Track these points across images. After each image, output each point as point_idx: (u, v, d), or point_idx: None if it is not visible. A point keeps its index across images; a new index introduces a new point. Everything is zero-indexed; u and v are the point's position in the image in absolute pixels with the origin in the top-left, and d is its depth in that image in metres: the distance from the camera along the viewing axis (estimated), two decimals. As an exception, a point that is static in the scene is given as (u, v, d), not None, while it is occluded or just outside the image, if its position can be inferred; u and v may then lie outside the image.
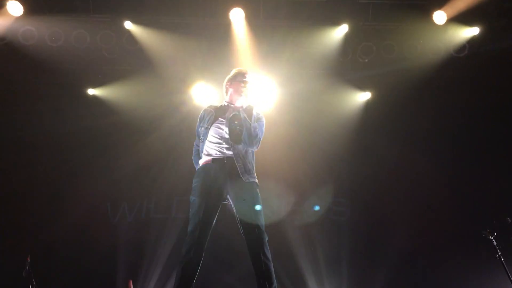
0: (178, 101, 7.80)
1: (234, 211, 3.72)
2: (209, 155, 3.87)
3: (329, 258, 7.78)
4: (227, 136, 3.89)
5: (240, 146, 3.87)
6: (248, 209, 3.63)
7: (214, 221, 3.69)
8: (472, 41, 7.21)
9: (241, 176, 3.73)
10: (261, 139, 3.98)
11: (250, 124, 3.87)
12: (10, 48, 6.96)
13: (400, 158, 8.04)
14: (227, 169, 3.75)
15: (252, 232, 3.57)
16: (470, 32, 7.17)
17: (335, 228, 8.09)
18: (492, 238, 5.11)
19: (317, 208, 8.00)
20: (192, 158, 4.14)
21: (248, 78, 4.21)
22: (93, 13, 6.97)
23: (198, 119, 4.16)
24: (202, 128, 4.03)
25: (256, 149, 4.01)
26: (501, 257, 5.02)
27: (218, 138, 3.90)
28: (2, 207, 7.56)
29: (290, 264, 7.61)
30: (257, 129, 3.92)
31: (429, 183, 7.96)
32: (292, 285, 7.46)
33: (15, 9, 6.63)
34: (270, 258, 3.54)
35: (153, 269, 7.54)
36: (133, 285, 6.73)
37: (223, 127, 3.95)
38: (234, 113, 4.02)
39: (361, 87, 8.07)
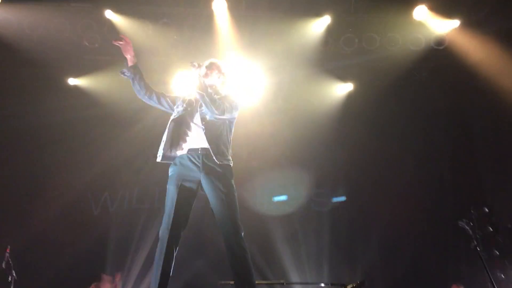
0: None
1: (210, 204, 3.71)
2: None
3: (311, 248, 7.87)
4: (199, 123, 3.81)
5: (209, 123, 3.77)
6: (222, 205, 3.61)
7: (191, 209, 3.69)
8: (452, 34, 7.29)
9: (214, 157, 3.65)
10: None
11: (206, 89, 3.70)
12: (-13, 37, 6.82)
13: (381, 148, 8.14)
14: (201, 158, 3.71)
15: (227, 226, 3.57)
16: (450, 24, 7.24)
17: (316, 219, 8.17)
18: (468, 228, 5.21)
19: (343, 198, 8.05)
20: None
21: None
22: (73, 1, 6.86)
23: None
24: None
25: (223, 116, 3.80)
26: (477, 246, 5.13)
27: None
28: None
29: (271, 254, 7.68)
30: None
31: (409, 173, 8.09)
32: (273, 275, 7.53)
33: (-8, -4, 6.49)
34: (246, 249, 3.55)
35: (136, 259, 7.55)
36: (116, 275, 6.73)
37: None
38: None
39: (343, 78, 8.13)
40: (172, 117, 3.93)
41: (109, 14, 6.91)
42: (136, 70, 3.97)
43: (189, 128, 3.85)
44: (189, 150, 3.77)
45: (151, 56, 7.33)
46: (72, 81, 7.83)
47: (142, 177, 7.96)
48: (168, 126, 3.89)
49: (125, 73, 3.99)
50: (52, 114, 7.59)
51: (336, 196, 8.27)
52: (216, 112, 3.72)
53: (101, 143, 7.82)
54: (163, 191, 7.96)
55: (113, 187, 8.00)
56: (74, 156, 7.81)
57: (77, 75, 7.78)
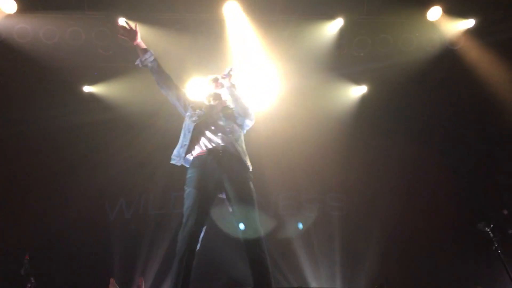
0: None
1: (231, 209, 3.66)
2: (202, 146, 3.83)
3: (326, 252, 7.81)
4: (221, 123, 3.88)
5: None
6: (244, 206, 3.57)
7: (209, 213, 3.64)
8: (467, 34, 7.21)
9: (241, 158, 3.73)
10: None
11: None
12: (5, 46, 6.92)
13: (396, 151, 8.07)
14: (224, 158, 3.71)
15: (247, 227, 3.52)
16: (466, 24, 7.16)
17: (332, 223, 8.11)
18: (488, 230, 5.13)
19: (300, 226, 8.02)
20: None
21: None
22: (87, 9, 6.92)
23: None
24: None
25: (248, 118, 3.97)
26: (498, 248, 5.05)
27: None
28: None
29: (287, 259, 7.63)
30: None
31: (425, 176, 7.99)
32: (289, 278, 7.49)
33: (8, 6, 6.58)
34: (266, 251, 3.51)
35: (151, 264, 7.57)
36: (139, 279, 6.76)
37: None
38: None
39: (357, 81, 8.08)
40: (191, 120, 3.93)
41: (122, 21, 6.97)
42: (149, 61, 3.97)
43: (210, 131, 3.86)
44: (210, 151, 3.76)
45: (165, 62, 7.28)
46: (87, 89, 7.91)
47: (156, 182, 7.98)
48: (187, 128, 3.89)
49: (143, 62, 3.98)
50: (68, 119, 7.67)
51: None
52: (248, 107, 3.89)
53: (115, 147, 7.88)
54: (178, 197, 8.07)
55: (129, 193, 8.04)
56: (89, 160, 7.87)
57: (92, 82, 7.86)
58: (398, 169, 8.09)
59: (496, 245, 5.02)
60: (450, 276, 7.58)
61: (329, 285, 7.49)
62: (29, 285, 5.61)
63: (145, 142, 7.88)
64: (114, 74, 7.68)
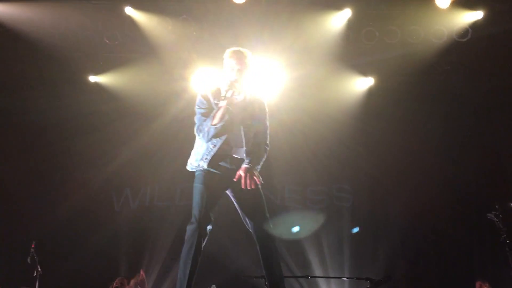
0: (180, 88, 7.75)
1: (237, 205, 3.64)
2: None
3: (332, 243, 7.82)
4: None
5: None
6: (254, 204, 3.56)
7: (217, 206, 3.59)
8: (475, 25, 7.15)
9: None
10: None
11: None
12: (11, 35, 6.90)
13: (403, 144, 8.04)
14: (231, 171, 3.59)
15: (262, 227, 3.50)
16: (474, 16, 7.09)
17: (338, 214, 8.12)
18: (497, 220, 5.12)
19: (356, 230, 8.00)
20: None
21: (239, 59, 3.70)
22: (93, -1, 6.90)
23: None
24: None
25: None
26: (506, 239, 5.06)
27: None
28: (6, 194, 7.59)
29: (294, 249, 7.64)
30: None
31: (432, 168, 7.96)
32: (297, 267, 7.50)
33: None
34: (277, 248, 3.54)
35: (157, 256, 7.58)
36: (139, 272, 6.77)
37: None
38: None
39: (364, 72, 8.01)
40: None
41: (129, 10, 6.94)
42: None
43: None
44: None
45: (171, 52, 7.34)
46: (93, 78, 7.88)
47: (161, 174, 7.99)
48: None
49: None
50: (74, 109, 7.69)
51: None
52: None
53: (121, 137, 7.93)
54: (184, 189, 8.05)
55: (134, 183, 8.05)
56: (94, 151, 7.88)
57: (98, 72, 7.82)
58: (404, 161, 8.07)
59: (505, 235, 5.02)
60: (455, 269, 7.59)
61: (336, 275, 7.49)
62: (35, 273, 5.64)
63: (151, 133, 7.88)
64: (120, 64, 7.65)
